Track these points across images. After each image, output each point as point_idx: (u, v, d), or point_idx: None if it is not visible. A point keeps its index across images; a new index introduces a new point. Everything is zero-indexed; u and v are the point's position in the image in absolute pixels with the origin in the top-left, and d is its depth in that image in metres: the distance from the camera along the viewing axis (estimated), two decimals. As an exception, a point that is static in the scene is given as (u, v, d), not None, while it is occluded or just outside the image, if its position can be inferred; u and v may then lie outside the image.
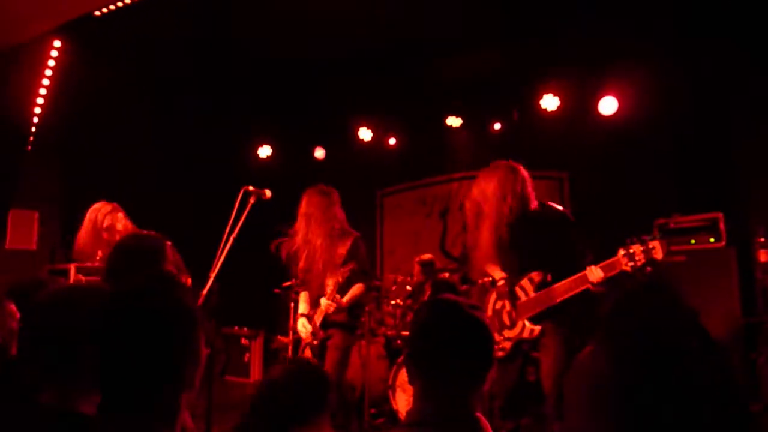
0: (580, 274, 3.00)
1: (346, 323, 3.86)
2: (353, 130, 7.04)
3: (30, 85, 5.72)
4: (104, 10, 4.88)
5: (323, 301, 3.74)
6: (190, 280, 3.80)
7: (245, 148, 7.62)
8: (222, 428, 3.30)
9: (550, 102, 5.76)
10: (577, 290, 3.02)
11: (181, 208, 6.40)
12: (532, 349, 3.41)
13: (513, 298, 3.30)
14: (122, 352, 1.10)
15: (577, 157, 5.82)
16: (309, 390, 1.71)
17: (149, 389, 1.11)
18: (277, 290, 5.30)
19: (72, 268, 3.77)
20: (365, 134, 7.02)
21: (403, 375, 4.57)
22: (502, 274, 3.41)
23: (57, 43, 5.56)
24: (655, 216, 4.76)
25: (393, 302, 5.24)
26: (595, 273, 2.95)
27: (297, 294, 4.42)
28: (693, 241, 4.53)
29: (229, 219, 3.20)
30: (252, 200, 3.34)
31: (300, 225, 3.95)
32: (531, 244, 3.22)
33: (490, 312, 3.43)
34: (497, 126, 6.37)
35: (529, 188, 3.34)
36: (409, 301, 5.22)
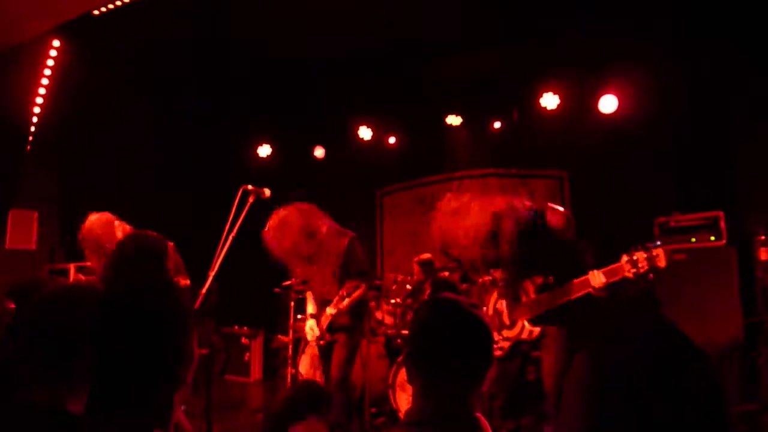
0: (582, 278, 3.00)
1: (350, 325, 3.88)
2: (353, 129, 7.04)
3: (29, 85, 5.71)
4: (103, 9, 4.87)
5: (329, 310, 3.79)
6: (188, 282, 3.80)
7: (245, 148, 7.62)
8: (222, 427, 3.31)
9: (549, 101, 5.76)
10: (579, 293, 3.02)
11: (181, 208, 6.40)
12: (532, 349, 3.41)
13: (514, 298, 3.30)
14: (116, 350, 1.10)
15: (576, 156, 5.82)
16: (307, 394, 1.80)
17: (142, 388, 1.11)
18: (276, 289, 5.29)
19: (72, 267, 3.78)
20: (365, 133, 7.02)
21: (403, 374, 4.56)
22: (503, 273, 3.40)
23: (56, 43, 5.56)
24: (655, 215, 4.76)
25: (393, 301, 5.24)
26: (597, 278, 2.94)
27: (297, 293, 4.42)
28: (693, 240, 4.53)
29: (228, 218, 3.20)
30: (251, 199, 3.34)
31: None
32: (533, 247, 3.21)
33: (490, 311, 3.43)
34: (497, 125, 6.37)
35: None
36: (409, 300, 5.22)
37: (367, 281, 4.00)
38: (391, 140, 7.10)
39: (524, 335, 3.25)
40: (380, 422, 4.79)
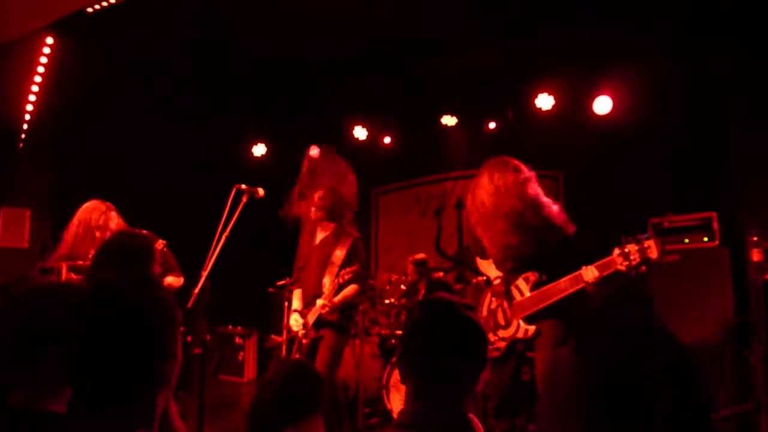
0: (575, 274, 3.00)
1: (338, 323, 3.85)
2: (348, 129, 7.02)
3: (22, 82, 5.67)
4: (96, 6, 4.84)
5: (319, 301, 3.74)
6: (182, 279, 3.79)
7: (240, 147, 7.59)
8: (215, 427, 3.29)
9: (544, 101, 5.76)
10: (573, 290, 3.01)
11: (175, 207, 6.37)
12: (527, 349, 3.40)
13: (509, 297, 3.29)
14: (97, 349, 1.09)
15: (571, 156, 5.82)
16: (302, 390, 1.71)
17: (125, 387, 1.10)
18: (270, 289, 5.28)
19: (63, 266, 3.74)
20: (360, 133, 7.01)
21: (397, 374, 4.56)
22: (498, 273, 3.40)
23: (49, 40, 5.52)
24: (650, 215, 4.77)
25: (387, 301, 5.23)
26: (590, 272, 2.94)
27: (290, 292, 4.41)
28: (687, 241, 4.55)
29: (222, 217, 3.18)
30: (245, 198, 3.32)
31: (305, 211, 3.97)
32: (528, 244, 3.21)
33: (485, 312, 3.42)
34: (492, 125, 6.37)
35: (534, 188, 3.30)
36: (403, 300, 5.21)
37: (362, 282, 3.99)
38: (387, 140, 7.09)
39: (520, 334, 3.24)
40: (373, 422, 4.78)
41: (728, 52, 4.65)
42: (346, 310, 3.91)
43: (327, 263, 3.91)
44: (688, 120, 5.06)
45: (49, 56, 5.58)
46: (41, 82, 5.70)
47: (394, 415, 4.46)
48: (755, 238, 4.32)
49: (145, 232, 2.83)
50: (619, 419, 0.84)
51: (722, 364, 4.13)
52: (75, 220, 3.77)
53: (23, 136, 5.96)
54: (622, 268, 2.86)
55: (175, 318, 1.19)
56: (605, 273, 2.92)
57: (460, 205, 6.70)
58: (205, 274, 3.09)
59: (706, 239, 4.49)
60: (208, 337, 3.45)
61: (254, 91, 6.59)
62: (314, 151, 4.09)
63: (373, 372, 4.93)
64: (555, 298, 3.08)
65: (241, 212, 3.25)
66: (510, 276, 3.31)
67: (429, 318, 1.42)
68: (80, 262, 3.61)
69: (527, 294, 3.21)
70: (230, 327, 7.17)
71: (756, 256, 4.30)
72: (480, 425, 1.36)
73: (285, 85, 6.52)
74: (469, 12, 5.27)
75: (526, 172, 3.31)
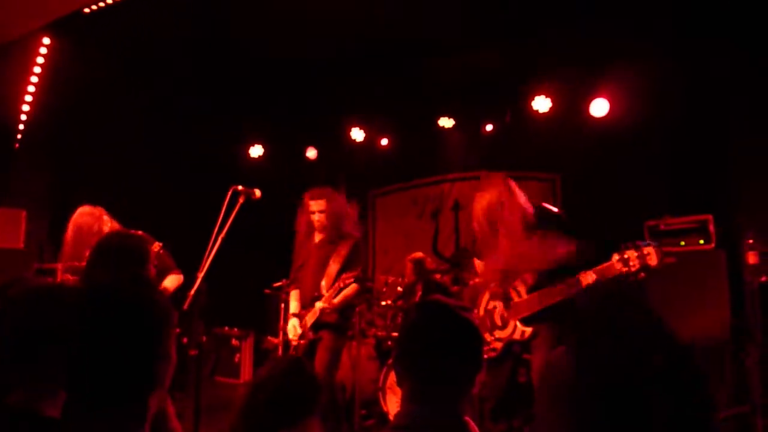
0: (573, 278, 3.00)
1: (336, 324, 3.84)
2: (346, 130, 7.02)
3: (18, 83, 5.66)
4: (93, 7, 4.83)
5: (318, 304, 3.74)
6: (182, 277, 3.77)
7: (237, 148, 7.58)
8: (211, 429, 3.28)
9: (541, 104, 5.77)
10: (570, 293, 3.01)
11: (172, 207, 6.35)
12: (523, 351, 3.40)
13: (506, 299, 3.29)
14: (91, 350, 1.09)
15: (568, 158, 5.83)
16: (298, 391, 1.68)
17: (118, 388, 1.10)
18: (267, 290, 5.27)
19: (59, 267, 3.74)
20: (357, 135, 7.01)
21: (393, 377, 4.55)
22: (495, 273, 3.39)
23: (46, 41, 5.51)
24: (646, 217, 4.78)
25: (384, 303, 5.22)
26: (588, 278, 2.94)
27: (287, 294, 4.40)
28: (683, 243, 4.56)
29: (219, 218, 3.18)
30: (241, 200, 3.32)
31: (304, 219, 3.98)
32: (527, 246, 3.21)
33: (482, 312, 3.42)
34: (489, 127, 6.38)
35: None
36: (400, 302, 5.21)
37: (361, 283, 3.99)
38: (384, 142, 7.09)
39: (516, 336, 3.24)
40: (370, 424, 4.77)
41: (727, 54, 4.67)
42: (344, 310, 3.91)
43: (326, 264, 3.90)
44: (685, 122, 5.07)
45: (46, 56, 5.57)
46: (38, 82, 5.68)
47: (391, 418, 4.45)
48: (751, 241, 4.33)
49: (139, 232, 2.82)
50: (620, 421, 0.83)
51: (719, 367, 4.14)
52: (70, 229, 3.75)
53: (20, 136, 5.94)
54: (621, 273, 2.87)
55: (169, 318, 1.19)
56: (604, 278, 2.92)
57: (457, 207, 6.71)
58: (201, 275, 3.09)
59: (702, 242, 4.50)
60: (205, 338, 3.44)
61: (251, 93, 6.59)
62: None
63: (369, 374, 4.92)
64: (552, 301, 3.08)
65: (237, 213, 3.25)
66: (507, 277, 3.31)
67: (425, 320, 1.42)
68: (76, 263, 3.60)
69: (525, 296, 3.21)
70: (226, 328, 7.15)
71: (752, 258, 4.31)
72: (476, 428, 1.36)
73: (282, 87, 6.52)
74: (466, 14, 5.28)
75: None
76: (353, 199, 4.29)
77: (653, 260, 2.82)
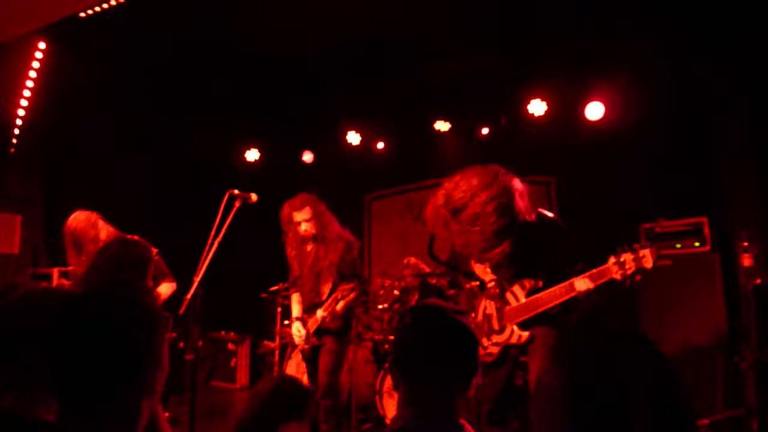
0: (567, 283, 3.00)
1: (339, 330, 3.86)
2: (341, 134, 7.03)
3: (13, 86, 5.65)
4: (89, 11, 4.83)
5: (319, 312, 3.75)
6: (175, 285, 3.77)
7: (233, 152, 7.58)
8: (207, 434, 3.27)
9: (537, 107, 5.79)
10: (565, 298, 3.02)
11: (168, 212, 6.35)
12: (520, 354, 3.41)
13: (503, 302, 3.30)
14: (81, 354, 1.08)
15: (564, 162, 5.85)
16: (288, 394, 1.73)
17: (108, 393, 1.09)
18: (263, 295, 5.26)
19: (55, 272, 3.74)
20: (353, 138, 7.02)
21: (390, 380, 4.55)
22: (492, 276, 3.40)
23: (42, 45, 5.50)
24: (642, 221, 4.79)
25: (380, 307, 5.22)
26: (582, 283, 2.94)
27: (284, 299, 4.40)
28: (678, 246, 4.57)
29: (215, 223, 3.18)
30: (237, 204, 3.32)
31: (291, 234, 3.97)
32: (523, 250, 3.21)
33: (480, 317, 3.42)
34: (485, 131, 6.39)
35: (517, 196, 3.30)
36: (396, 306, 5.21)
37: (360, 286, 3.99)
38: (380, 145, 7.10)
39: (513, 339, 3.25)
40: (367, 428, 4.76)
41: (722, 58, 4.69)
42: (346, 313, 3.92)
43: (321, 269, 3.90)
44: (680, 125, 5.10)
45: (41, 61, 5.56)
46: (33, 86, 5.68)
47: (388, 421, 4.45)
48: (746, 244, 4.35)
49: (136, 237, 2.82)
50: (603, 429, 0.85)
51: (714, 369, 4.15)
52: (66, 236, 3.75)
53: (15, 141, 5.93)
54: (617, 276, 2.87)
55: (162, 325, 1.18)
56: (599, 281, 2.93)
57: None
58: (197, 279, 3.08)
59: (697, 244, 4.52)
60: (201, 342, 3.44)
61: (247, 96, 6.59)
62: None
63: (366, 378, 4.92)
64: (547, 306, 3.08)
65: (234, 217, 3.25)
66: (505, 281, 3.32)
67: (421, 323, 1.43)
68: (71, 268, 3.60)
69: (523, 300, 3.22)
70: (223, 333, 7.13)
71: (747, 261, 4.33)
72: (473, 430, 1.37)
73: (278, 91, 6.53)
74: (462, 19, 5.30)
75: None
76: (349, 203, 4.28)
77: (648, 262, 2.83)
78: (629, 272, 2.84)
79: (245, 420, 1.70)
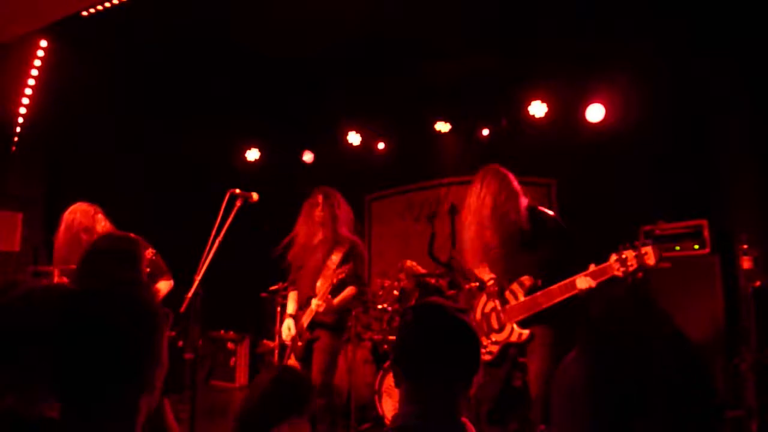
0: (568, 281, 3.01)
1: (334, 325, 3.83)
2: (342, 134, 7.04)
3: (15, 85, 5.65)
4: (92, 10, 4.84)
5: (314, 301, 3.72)
6: (172, 282, 3.77)
7: (233, 151, 7.59)
8: (206, 433, 3.27)
9: (538, 109, 5.80)
10: (565, 296, 3.03)
11: (169, 211, 6.35)
12: (519, 354, 3.41)
13: (503, 301, 3.30)
14: (81, 353, 1.08)
15: (564, 163, 5.85)
16: (288, 390, 1.72)
17: (108, 392, 1.09)
18: (263, 294, 5.27)
19: (56, 270, 3.73)
20: (354, 138, 7.02)
21: (389, 380, 4.55)
22: (491, 275, 3.41)
23: (43, 43, 5.50)
24: (642, 222, 4.80)
25: (380, 306, 5.22)
26: (584, 281, 2.95)
27: (284, 298, 4.40)
28: (678, 248, 4.58)
29: (216, 222, 3.18)
30: (238, 203, 3.32)
31: (303, 224, 3.99)
32: (523, 249, 3.22)
33: (479, 315, 3.43)
34: (485, 132, 6.40)
35: (516, 196, 3.32)
36: (396, 306, 5.21)
37: (360, 285, 3.98)
38: (380, 146, 7.11)
39: (513, 338, 3.25)
40: (366, 428, 4.77)
41: (722, 59, 4.70)
42: (342, 312, 3.90)
43: (323, 266, 3.90)
44: (681, 127, 5.10)
45: (43, 59, 5.57)
46: (35, 85, 5.68)
47: (387, 421, 4.46)
48: (745, 246, 4.36)
49: (132, 235, 2.82)
50: (633, 425, 0.84)
51: (713, 371, 4.16)
52: (62, 225, 3.75)
53: (16, 139, 5.93)
54: (619, 274, 2.88)
55: (161, 322, 1.18)
56: (601, 279, 2.94)
57: (453, 210, 6.72)
58: (198, 278, 3.08)
59: (697, 247, 4.52)
60: (200, 341, 3.44)
61: (248, 96, 6.60)
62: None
63: (365, 377, 4.92)
64: (548, 304, 3.09)
65: (234, 216, 3.25)
66: (504, 279, 3.33)
67: (422, 321, 1.43)
68: (72, 266, 3.59)
69: (522, 298, 3.22)
70: (222, 332, 7.13)
71: (746, 263, 4.33)
72: (474, 429, 1.37)
73: (279, 91, 6.53)
74: (462, 19, 5.30)
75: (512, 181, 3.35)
76: (349, 204, 4.29)
77: (651, 259, 2.84)
78: (631, 269, 2.85)
79: (245, 412, 1.69)
